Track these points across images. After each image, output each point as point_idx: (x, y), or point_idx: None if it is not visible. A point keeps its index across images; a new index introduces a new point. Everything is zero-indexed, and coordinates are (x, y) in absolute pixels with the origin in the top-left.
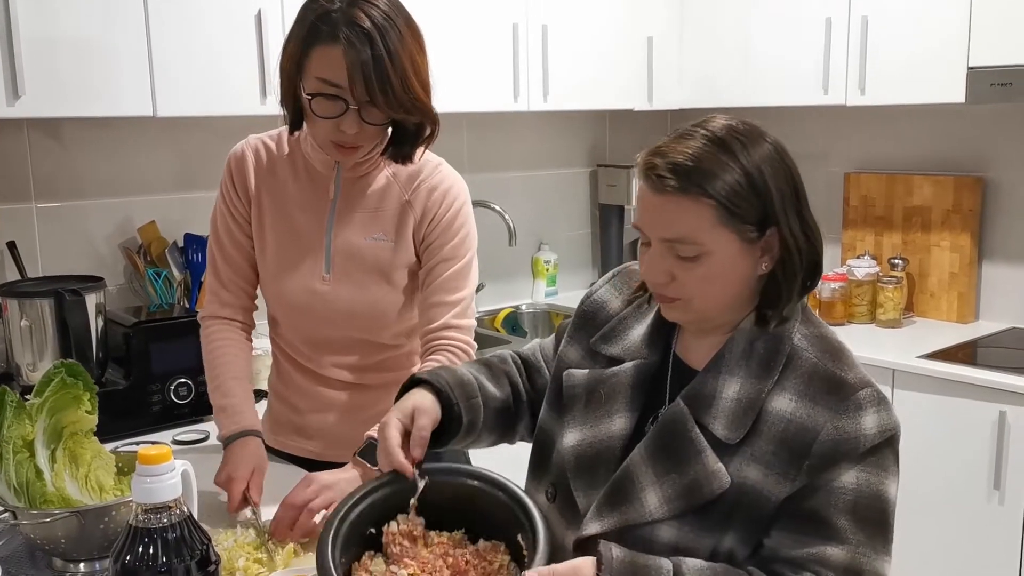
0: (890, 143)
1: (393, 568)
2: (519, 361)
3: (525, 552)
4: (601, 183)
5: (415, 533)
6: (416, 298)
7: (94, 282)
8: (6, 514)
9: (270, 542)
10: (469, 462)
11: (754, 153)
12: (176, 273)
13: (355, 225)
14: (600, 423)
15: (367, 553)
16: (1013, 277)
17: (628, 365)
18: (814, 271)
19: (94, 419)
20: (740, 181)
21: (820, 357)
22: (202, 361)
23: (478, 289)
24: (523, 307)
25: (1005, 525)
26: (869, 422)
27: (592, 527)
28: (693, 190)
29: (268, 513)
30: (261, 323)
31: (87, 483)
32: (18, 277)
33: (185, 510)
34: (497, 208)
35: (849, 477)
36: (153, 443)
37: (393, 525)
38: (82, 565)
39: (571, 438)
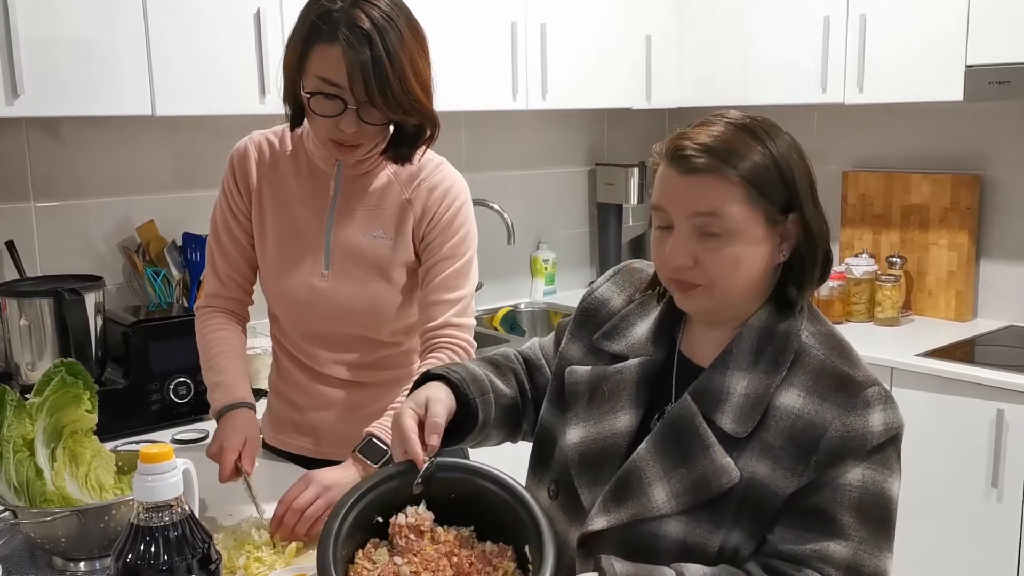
0: (888, 141)
1: (396, 560)
2: (521, 360)
3: (531, 565)
4: (599, 182)
5: (422, 528)
6: (415, 296)
7: (93, 281)
8: (6, 513)
9: (264, 520)
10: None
11: (778, 142)
12: (175, 272)
13: (355, 222)
14: (604, 420)
15: (372, 540)
16: (1011, 275)
17: (633, 362)
18: (827, 262)
19: (94, 418)
20: (767, 163)
21: (828, 354)
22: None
23: (477, 288)
24: (521, 306)
25: (1003, 523)
26: (876, 420)
27: (598, 522)
28: (723, 168)
29: (268, 511)
30: (261, 322)
31: (87, 482)
32: (17, 276)
33: (187, 508)
34: (496, 207)
35: (855, 474)
36: (152, 442)
37: (401, 517)
38: (82, 564)
39: (574, 435)
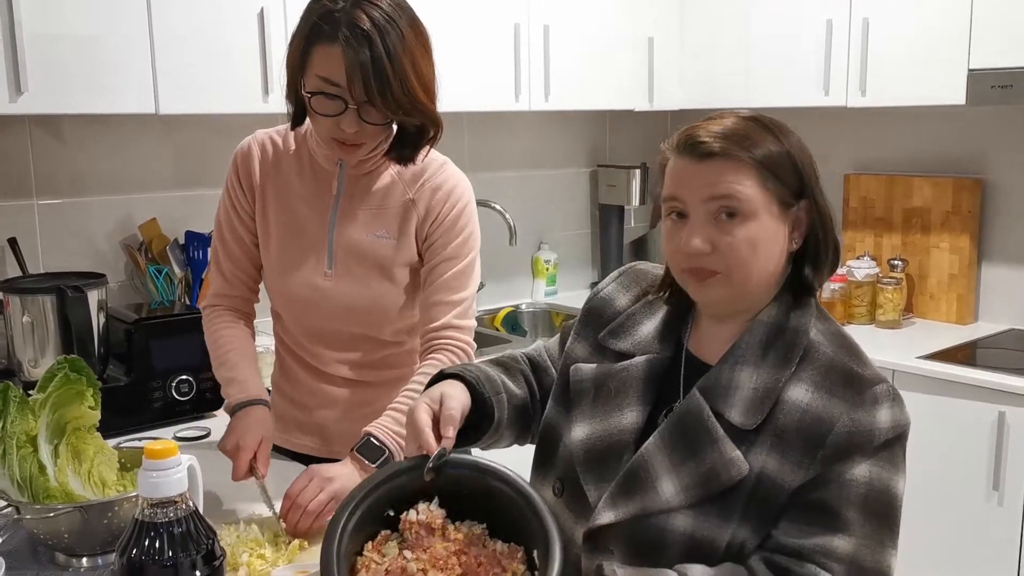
0: (890, 144)
1: (406, 554)
2: (527, 361)
3: (537, 573)
4: (601, 183)
5: (433, 525)
6: (417, 296)
7: (96, 279)
8: (9, 509)
9: (281, 522)
10: None
11: (789, 136)
12: (177, 270)
13: (358, 222)
14: (610, 417)
15: (383, 533)
16: (1012, 279)
17: (639, 359)
18: (837, 252)
19: (97, 415)
20: (780, 151)
21: (837, 352)
22: (204, 358)
23: (479, 288)
24: (523, 306)
25: (1004, 525)
26: (884, 417)
27: (605, 516)
28: (737, 153)
29: (279, 505)
30: (264, 320)
31: (90, 478)
32: (19, 273)
33: (191, 504)
34: (498, 207)
35: (861, 470)
36: (155, 439)
37: (412, 513)
38: (85, 560)
39: (580, 432)
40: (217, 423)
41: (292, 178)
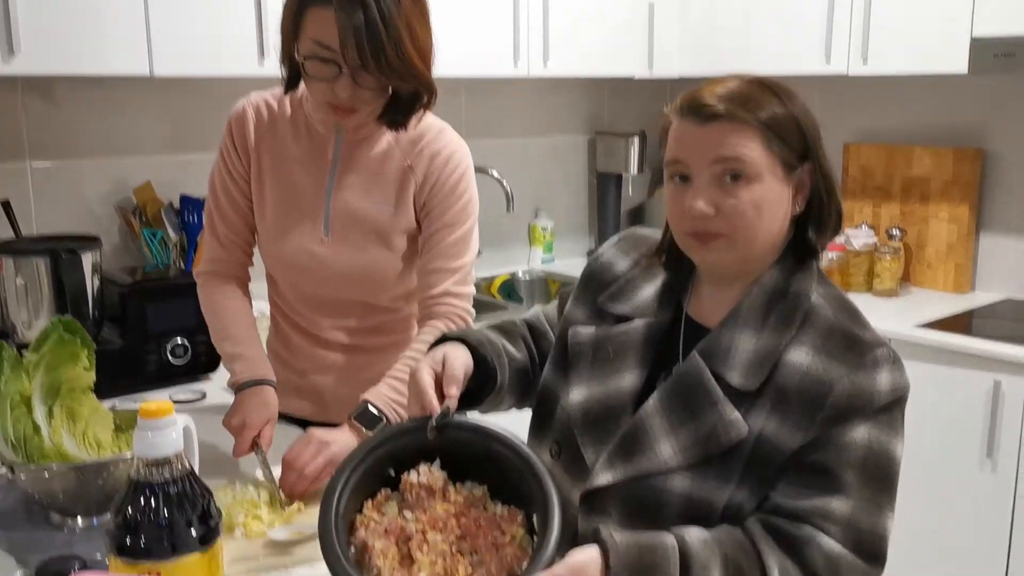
0: (891, 114)
1: (405, 514)
2: (526, 326)
3: (536, 537)
4: (600, 151)
5: (434, 487)
6: (415, 263)
7: (90, 241)
8: (3, 469)
9: (280, 492)
10: None
11: (793, 98)
12: (172, 234)
13: (355, 188)
14: (609, 379)
15: (384, 491)
16: (1010, 248)
17: (638, 323)
18: (839, 216)
19: (91, 376)
20: (783, 113)
21: (838, 315)
22: (199, 321)
23: (476, 255)
24: (519, 274)
25: (997, 493)
26: (884, 380)
27: (603, 478)
28: (742, 115)
29: (277, 471)
30: (259, 285)
31: (85, 439)
32: (13, 236)
33: (187, 464)
34: (495, 174)
35: (860, 433)
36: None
37: (413, 475)
38: (80, 520)
39: (578, 394)
40: (212, 386)
41: (288, 143)
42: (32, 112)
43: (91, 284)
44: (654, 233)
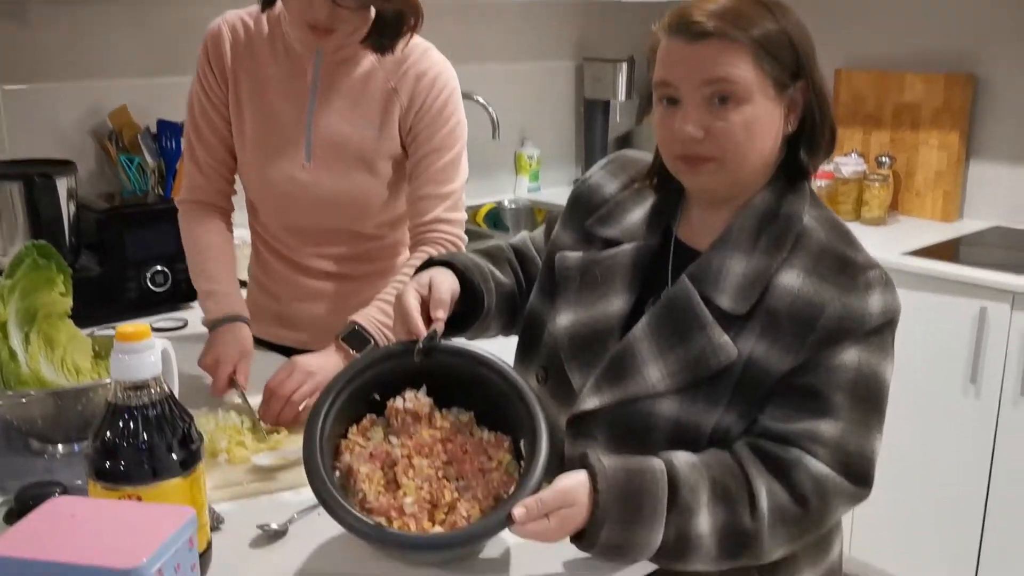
0: (882, 39)
1: (391, 439)
2: (512, 251)
3: (523, 462)
4: (587, 77)
5: (420, 413)
6: (401, 189)
7: (64, 166)
8: None
9: (261, 422)
10: None
11: (787, 13)
12: (149, 160)
13: (337, 111)
14: (596, 304)
15: (369, 416)
16: (1000, 176)
17: (627, 247)
18: (833, 135)
19: (68, 301)
20: (776, 30)
21: (830, 237)
22: (179, 249)
23: None
24: (505, 202)
25: (979, 418)
26: (876, 302)
27: (590, 402)
28: (732, 32)
29: (254, 401)
30: (240, 214)
31: (63, 366)
32: None
33: (166, 388)
34: (480, 100)
35: (851, 355)
36: None
37: (399, 401)
38: (60, 447)
39: (565, 319)
40: (193, 314)
41: (266, 64)
42: (3, 34)
43: (67, 210)
44: (644, 155)
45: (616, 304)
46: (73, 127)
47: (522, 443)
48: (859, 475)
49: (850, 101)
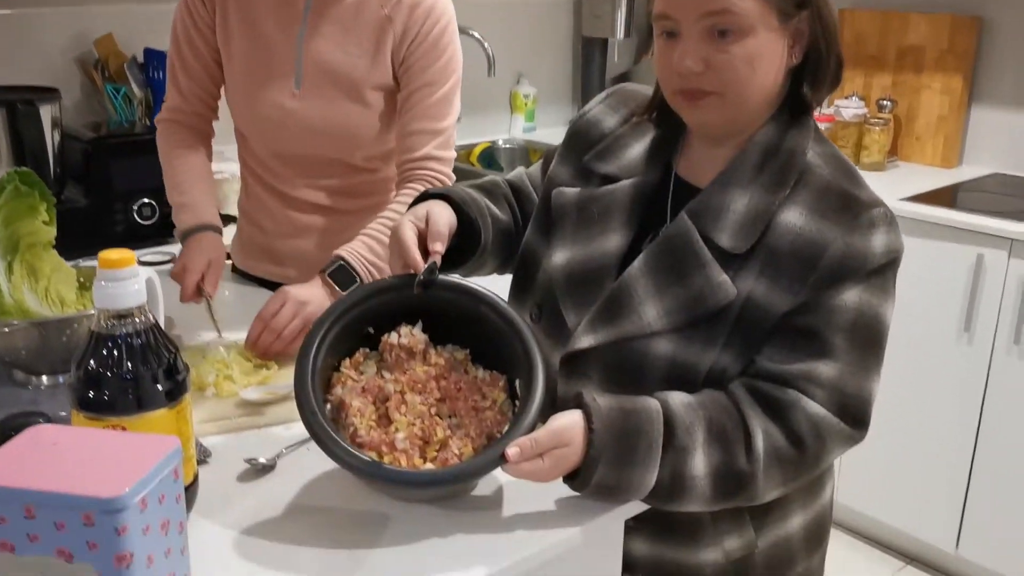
0: None
1: (384, 373)
2: (509, 187)
3: (517, 402)
4: (585, 14)
5: (415, 349)
6: (393, 122)
7: (48, 93)
8: None
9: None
10: None
11: None
12: (136, 90)
13: (328, 38)
14: (593, 241)
15: (362, 350)
16: (1001, 121)
17: (625, 183)
18: (839, 65)
19: (52, 231)
20: None
21: (834, 175)
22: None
23: (456, 121)
24: (500, 142)
25: (972, 365)
26: (879, 241)
27: (584, 341)
28: None
29: (232, 336)
30: (230, 147)
31: (47, 296)
32: None
33: (151, 318)
34: (476, 35)
35: (852, 296)
36: None
37: (394, 336)
38: (44, 378)
39: (560, 256)
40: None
41: None
42: None
43: (51, 139)
44: (644, 89)
45: (613, 241)
46: (58, 54)
47: (517, 382)
48: (856, 417)
49: (852, 42)
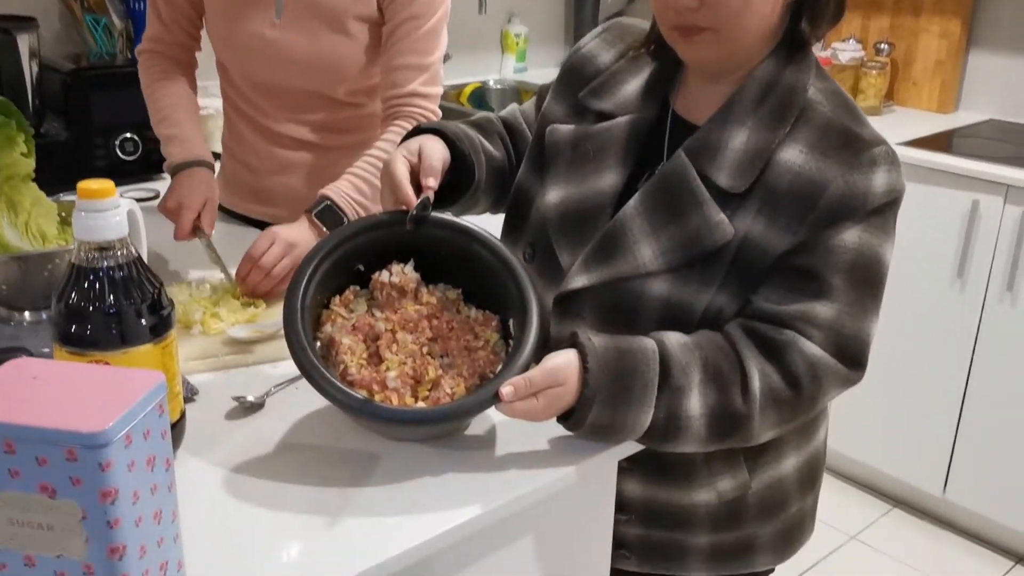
0: None
1: (375, 311)
2: (502, 124)
3: (511, 342)
4: None
5: (406, 288)
6: (377, 55)
7: (25, 22)
8: None
9: (238, 288)
10: None
11: None
12: (117, 21)
13: None
14: (587, 179)
15: (352, 288)
16: (999, 66)
17: (621, 120)
18: (840, 0)
19: (31, 163)
20: None
21: (835, 112)
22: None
23: (444, 60)
24: (490, 82)
25: (964, 311)
26: (880, 180)
27: (578, 281)
28: None
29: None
30: (213, 83)
31: (28, 231)
32: None
33: (133, 251)
34: None
35: (851, 235)
36: None
37: (385, 275)
38: (27, 314)
39: (554, 195)
40: (166, 185)
41: None
42: None
43: (29, 70)
44: (641, 23)
45: (608, 180)
46: None
47: (511, 322)
48: (853, 358)
49: None
